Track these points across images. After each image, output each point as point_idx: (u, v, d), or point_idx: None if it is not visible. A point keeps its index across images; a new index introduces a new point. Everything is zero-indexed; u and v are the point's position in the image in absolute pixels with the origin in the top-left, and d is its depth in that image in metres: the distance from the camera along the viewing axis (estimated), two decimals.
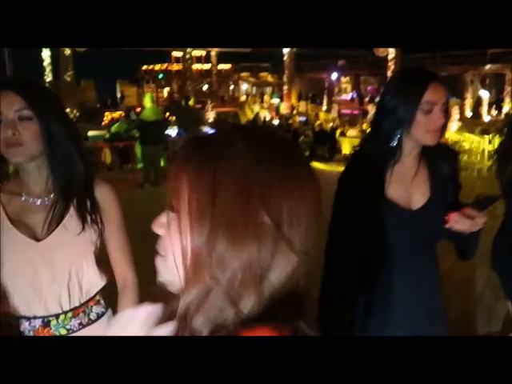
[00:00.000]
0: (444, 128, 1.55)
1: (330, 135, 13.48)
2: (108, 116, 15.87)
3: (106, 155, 10.21)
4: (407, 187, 1.61)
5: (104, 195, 1.45)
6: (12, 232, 1.34)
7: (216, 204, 0.57)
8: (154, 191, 8.80)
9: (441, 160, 1.63)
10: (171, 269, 0.61)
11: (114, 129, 10.69)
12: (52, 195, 1.39)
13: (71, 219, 1.38)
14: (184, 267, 0.59)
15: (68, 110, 14.29)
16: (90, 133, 13.40)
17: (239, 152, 0.58)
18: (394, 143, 1.57)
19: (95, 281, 1.46)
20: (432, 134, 1.53)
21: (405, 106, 1.52)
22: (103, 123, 15.26)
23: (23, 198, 1.39)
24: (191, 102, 10.32)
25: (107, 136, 10.54)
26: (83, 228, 1.38)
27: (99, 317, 1.46)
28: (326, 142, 13.01)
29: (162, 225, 0.63)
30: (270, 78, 26.24)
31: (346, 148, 12.66)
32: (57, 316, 1.39)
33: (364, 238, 1.57)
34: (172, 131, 11.54)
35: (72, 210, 1.38)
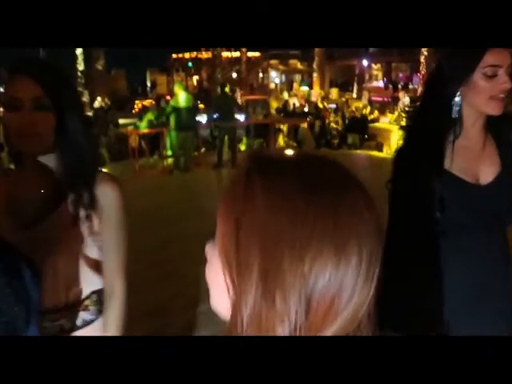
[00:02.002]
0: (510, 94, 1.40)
1: (361, 123, 13.30)
2: (138, 104, 15.97)
3: (134, 141, 10.31)
4: (473, 161, 1.46)
5: (105, 192, 1.34)
6: (4, 218, 1.28)
7: (240, 252, 0.54)
8: (183, 178, 8.88)
9: (509, 129, 1.49)
10: (212, 297, 0.60)
11: (147, 118, 10.79)
12: (50, 186, 1.31)
13: (61, 214, 1.29)
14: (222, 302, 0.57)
15: (99, 98, 14.48)
16: (121, 121, 13.56)
17: (258, 197, 0.54)
18: (454, 114, 1.43)
19: (83, 284, 1.34)
20: (496, 101, 1.38)
21: (462, 71, 1.39)
22: (134, 111, 15.39)
23: (24, 187, 1.31)
24: (227, 89, 10.32)
25: (143, 124, 10.62)
26: (73, 225, 1.29)
27: (86, 324, 1.34)
28: (357, 130, 12.85)
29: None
30: (299, 66, 26.00)
31: (378, 135, 12.48)
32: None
33: (427, 222, 1.42)
34: (202, 118, 11.60)
35: (65, 205, 1.30)
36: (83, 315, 1.34)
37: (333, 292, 0.53)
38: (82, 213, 1.30)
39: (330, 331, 0.54)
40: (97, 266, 1.37)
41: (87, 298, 1.35)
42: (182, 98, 8.88)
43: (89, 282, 1.35)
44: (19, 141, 1.26)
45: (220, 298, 0.58)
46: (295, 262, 0.52)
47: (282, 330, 0.52)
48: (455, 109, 1.41)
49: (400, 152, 1.55)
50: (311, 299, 0.52)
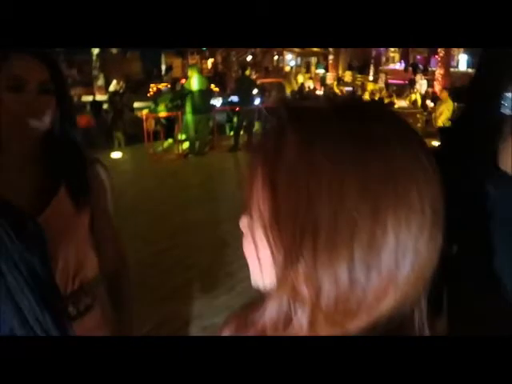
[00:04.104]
0: None
1: None
2: (153, 87, 15.95)
3: (149, 125, 10.31)
4: None
5: (96, 176, 1.34)
6: None
7: (278, 210, 0.48)
8: (197, 161, 8.88)
9: None
10: (254, 272, 0.55)
11: (162, 101, 10.76)
12: (42, 176, 1.27)
13: (59, 203, 1.26)
14: (264, 275, 0.53)
15: (114, 81, 14.49)
16: (136, 104, 13.56)
17: (292, 147, 0.48)
18: (506, 110, 1.36)
19: (88, 268, 1.33)
20: None
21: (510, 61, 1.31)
22: (149, 94, 15.39)
23: (15, 178, 1.24)
24: (247, 72, 10.24)
25: (161, 108, 10.60)
26: (75, 211, 1.27)
27: (87, 309, 1.33)
28: None
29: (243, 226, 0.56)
30: (315, 48, 25.72)
31: None
32: None
33: (478, 222, 1.35)
34: (216, 101, 11.55)
35: (64, 192, 1.27)
36: (85, 300, 1.33)
37: (390, 253, 0.46)
38: (79, 199, 1.28)
39: (386, 304, 0.48)
40: (95, 250, 1.37)
41: (89, 282, 1.34)
42: (196, 81, 8.85)
43: (88, 267, 1.34)
44: (17, 124, 1.18)
45: (260, 271, 0.53)
46: (339, 219, 0.45)
47: (318, 290, 0.47)
48: (507, 106, 1.34)
49: (444, 153, 1.46)
50: (361, 265, 0.45)
